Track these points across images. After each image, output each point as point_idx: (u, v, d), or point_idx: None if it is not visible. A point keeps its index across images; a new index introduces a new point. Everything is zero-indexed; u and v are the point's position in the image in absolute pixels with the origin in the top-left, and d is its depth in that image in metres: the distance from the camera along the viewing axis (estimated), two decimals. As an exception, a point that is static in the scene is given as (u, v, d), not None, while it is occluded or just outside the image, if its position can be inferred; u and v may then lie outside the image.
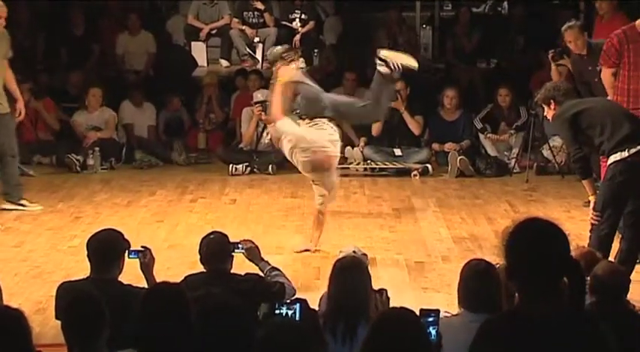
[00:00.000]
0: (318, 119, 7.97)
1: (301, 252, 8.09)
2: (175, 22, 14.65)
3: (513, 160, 11.48)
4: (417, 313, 3.96)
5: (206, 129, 12.63)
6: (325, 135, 7.90)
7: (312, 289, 6.37)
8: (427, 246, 8.40)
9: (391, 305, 5.43)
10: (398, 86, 11.47)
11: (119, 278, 5.35)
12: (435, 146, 11.70)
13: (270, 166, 11.39)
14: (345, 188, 10.59)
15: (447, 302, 5.94)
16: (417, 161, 11.42)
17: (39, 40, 13.68)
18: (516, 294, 4.75)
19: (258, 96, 11.57)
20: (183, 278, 5.55)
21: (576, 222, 8.33)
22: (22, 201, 9.65)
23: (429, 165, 11.39)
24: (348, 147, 11.65)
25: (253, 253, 5.95)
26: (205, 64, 14.38)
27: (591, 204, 7.08)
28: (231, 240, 5.79)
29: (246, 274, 5.75)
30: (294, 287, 5.84)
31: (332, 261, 5.46)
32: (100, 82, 12.55)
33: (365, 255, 6.45)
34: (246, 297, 4.68)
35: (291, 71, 8.08)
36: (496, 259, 5.00)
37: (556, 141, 10.91)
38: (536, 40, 13.24)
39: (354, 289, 4.93)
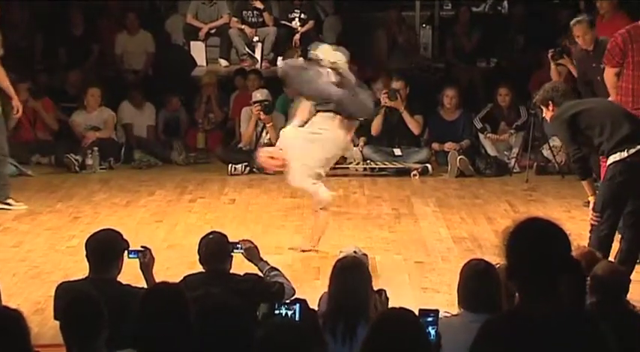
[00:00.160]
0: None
1: (304, 251, 8.09)
2: (174, 21, 14.64)
3: (513, 160, 11.47)
4: (416, 313, 3.96)
5: (205, 128, 12.62)
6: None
7: (312, 289, 6.35)
8: (427, 246, 8.38)
9: (391, 305, 5.42)
10: (397, 86, 11.49)
11: (118, 278, 5.34)
12: (435, 146, 11.68)
13: (269, 166, 11.38)
14: (344, 188, 10.60)
15: (447, 302, 5.93)
16: (417, 161, 11.41)
17: (37, 39, 13.68)
18: (516, 294, 4.77)
19: (257, 95, 11.57)
20: (182, 278, 5.54)
21: (576, 222, 8.31)
22: (9, 200, 9.64)
23: (428, 165, 11.38)
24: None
25: (252, 253, 5.94)
26: (204, 64, 14.37)
27: (591, 205, 7.07)
28: (231, 240, 5.78)
29: (246, 274, 5.74)
30: (293, 287, 5.83)
31: (332, 261, 5.45)
32: (99, 82, 12.54)
33: (365, 255, 6.45)
34: (245, 297, 4.67)
35: None
36: (496, 259, 4.99)
37: (556, 141, 10.89)
38: (536, 40, 13.23)
39: (354, 289, 4.92)
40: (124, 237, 5.44)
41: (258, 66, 13.81)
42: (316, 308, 5.14)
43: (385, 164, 11.44)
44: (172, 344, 3.94)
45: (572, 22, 9.16)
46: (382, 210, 9.68)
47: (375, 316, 4.18)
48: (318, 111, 7.98)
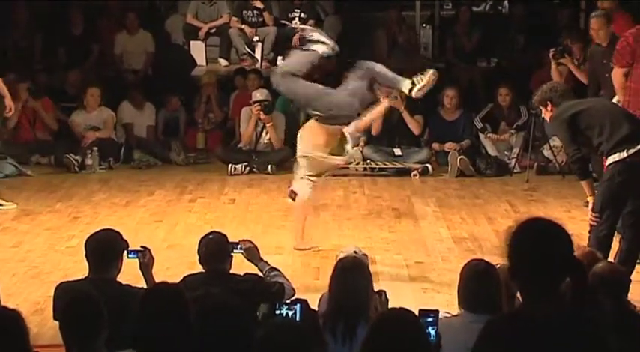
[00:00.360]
0: None
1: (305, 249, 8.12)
2: (174, 21, 14.63)
3: (514, 160, 11.46)
4: (416, 313, 3.95)
5: (205, 128, 12.61)
6: None
7: (312, 289, 6.34)
8: (427, 246, 8.38)
9: (391, 305, 5.41)
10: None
11: (118, 279, 5.33)
12: (435, 146, 11.68)
13: (269, 166, 11.38)
14: (344, 188, 10.59)
15: (447, 303, 5.93)
16: (417, 161, 11.40)
17: (37, 39, 13.66)
18: (517, 295, 4.76)
19: (257, 95, 11.56)
20: (182, 278, 5.53)
21: (577, 221, 8.30)
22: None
23: (429, 165, 11.37)
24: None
25: (252, 253, 5.93)
26: (204, 64, 14.35)
27: (590, 205, 7.06)
28: (230, 240, 5.78)
29: (246, 274, 5.74)
30: (293, 287, 5.82)
31: (332, 261, 5.45)
32: (99, 82, 12.53)
33: (365, 255, 6.42)
34: (245, 297, 4.66)
35: None
36: (496, 259, 4.98)
37: (556, 141, 10.86)
38: (536, 40, 13.24)
39: (355, 289, 4.92)
40: (124, 237, 5.44)
41: (258, 66, 13.80)
42: (316, 309, 5.13)
43: (385, 164, 11.43)
44: (172, 345, 3.94)
45: (591, 15, 9.11)
46: (382, 210, 9.67)
47: (375, 316, 4.18)
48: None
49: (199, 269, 5.66)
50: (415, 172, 11.24)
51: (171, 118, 12.64)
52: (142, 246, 5.63)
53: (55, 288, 5.40)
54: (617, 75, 8.22)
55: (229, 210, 9.73)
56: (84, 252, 5.37)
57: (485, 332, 3.18)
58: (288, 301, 5.24)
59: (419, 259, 7.99)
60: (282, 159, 11.59)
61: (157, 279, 5.36)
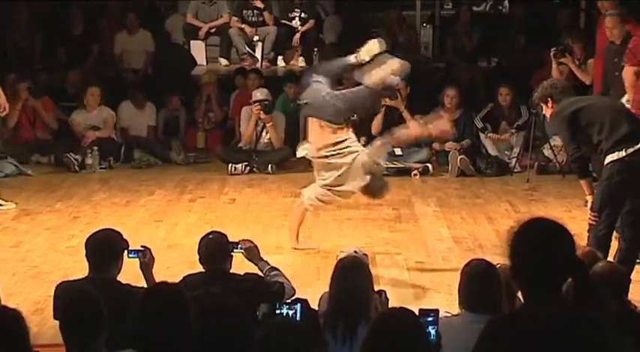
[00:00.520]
0: None
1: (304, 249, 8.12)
2: (174, 20, 14.62)
3: (514, 160, 11.45)
4: (416, 313, 3.95)
5: (205, 128, 12.60)
6: None
7: (312, 289, 6.33)
8: (427, 246, 8.38)
9: (391, 305, 5.41)
10: (398, 85, 11.44)
11: (118, 278, 5.33)
12: (436, 145, 11.66)
13: (269, 165, 11.37)
14: (344, 187, 10.57)
15: (448, 303, 5.93)
16: (418, 160, 11.39)
17: (37, 39, 13.65)
18: (518, 295, 4.76)
19: (257, 95, 11.55)
20: (182, 278, 5.53)
21: (577, 221, 8.29)
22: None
23: (429, 165, 11.36)
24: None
25: (252, 253, 5.93)
26: (204, 63, 14.35)
27: (589, 204, 7.06)
28: (231, 239, 5.77)
29: (246, 274, 5.73)
30: (293, 287, 5.82)
31: (332, 261, 5.45)
32: (99, 81, 12.52)
33: (365, 255, 6.42)
34: (245, 297, 4.66)
35: None
36: (496, 259, 4.98)
37: (557, 141, 10.86)
38: (536, 39, 13.23)
39: (355, 289, 4.92)
40: (124, 236, 5.44)
41: (258, 65, 13.80)
42: (317, 308, 5.13)
43: (386, 164, 11.39)
44: (172, 344, 3.93)
45: (606, 13, 9.10)
46: (382, 209, 9.65)
47: (375, 316, 4.18)
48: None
49: (199, 268, 5.66)
50: (415, 172, 11.23)
51: (172, 118, 12.63)
52: (142, 246, 5.63)
53: (55, 288, 5.40)
54: (628, 73, 8.23)
55: (229, 210, 9.72)
56: (84, 252, 5.37)
57: (487, 333, 3.17)
58: (288, 301, 5.24)
59: (419, 259, 7.99)
60: (283, 159, 11.58)
61: (157, 279, 5.36)
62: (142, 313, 4.10)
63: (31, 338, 4.01)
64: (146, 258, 5.58)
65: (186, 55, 14.25)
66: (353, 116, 8.08)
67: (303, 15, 14.09)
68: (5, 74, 11.94)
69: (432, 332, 4.19)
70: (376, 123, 11.44)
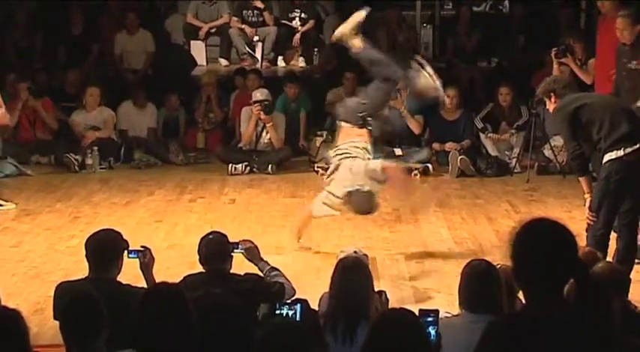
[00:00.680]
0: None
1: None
2: (174, 20, 14.62)
3: (514, 160, 11.44)
4: (416, 313, 3.95)
5: (205, 128, 12.59)
6: None
7: (313, 289, 6.33)
8: (427, 246, 8.37)
9: (391, 305, 5.41)
10: (398, 85, 11.44)
11: (118, 278, 5.32)
12: (436, 146, 11.66)
13: (269, 166, 11.37)
14: (345, 188, 10.56)
15: (448, 303, 5.92)
16: (418, 161, 11.38)
17: (37, 39, 13.65)
18: (518, 295, 4.76)
19: (257, 95, 11.54)
20: (182, 278, 5.52)
21: (577, 222, 8.26)
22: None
23: (429, 165, 11.36)
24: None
25: (252, 253, 5.92)
26: (204, 63, 14.35)
27: (587, 203, 7.05)
28: (231, 239, 5.77)
29: (246, 274, 5.73)
30: (293, 287, 5.82)
31: (332, 261, 5.44)
32: (98, 82, 12.52)
33: (365, 255, 6.43)
34: (245, 297, 4.66)
35: None
36: (497, 259, 4.98)
37: (557, 141, 10.87)
38: (537, 39, 13.22)
39: (355, 289, 4.92)
40: (124, 236, 5.43)
41: (258, 65, 13.80)
42: (317, 308, 5.13)
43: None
44: (172, 345, 3.93)
45: (618, 14, 9.09)
46: (382, 210, 9.64)
47: (375, 316, 4.17)
48: None
49: (199, 269, 5.65)
50: (416, 172, 11.22)
51: (171, 118, 12.63)
52: (142, 246, 5.62)
53: (55, 288, 5.39)
54: None
55: (229, 210, 9.72)
56: (84, 252, 5.36)
57: (488, 333, 3.17)
58: (288, 301, 5.23)
59: (419, 259, 7.98)
60: (283, 159, 11.59)
61: (158, 279, 5.35)
62: (142, 313, 4.10)
63: (31, 339, 4.01)
64: (146, 258, 5.58)
65: (186, 56, 14.24)
66: (364, 113, 8.05)
67: (303, 15, 14.09)
68: (5, 74, 11.95)
69: (432, 332, 4.19)
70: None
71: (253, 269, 5.90)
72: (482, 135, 11.81)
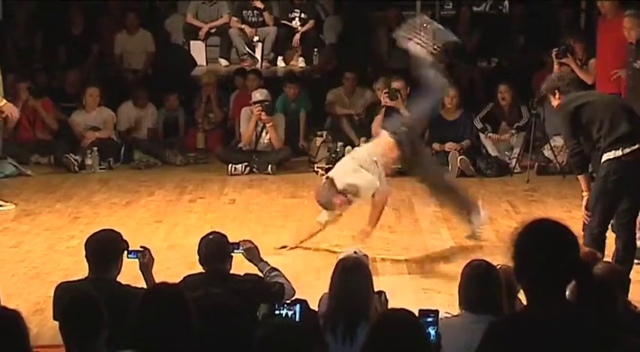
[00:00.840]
0: None
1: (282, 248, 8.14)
2: (174, 21, 14.62)
3: (514, 160, 11.44)
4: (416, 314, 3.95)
5: (205, 128, 12.59)
6: None
7: (312, 289, 6.32)
8: (427, 247, 8.37)
9: (391, 306, 5.41)
10: (398, 85, 11.45)
11: (118, 279, 5.32)
12: (436, 146, 11.65)
13: (269, 166, 11.36)
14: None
15: (448, 303, 5.91)
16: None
17: (37, 39, 13.65)
18: (518, 295, 4.75)
19: (257, 95, 11.53)
20: (182, 278, 5.52)
21: (577, 222, 8.25)
22: None
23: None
24: (348, 147, 11.61)
25: (252, 253, 5.92)
26: (204, 64, 14.36)
27: (584, 202, 7.05)
28: (231, 240, 5.77)
29: (246, 274, 5.73)
30: (293, 287, 5.81)
31: (332, 261, 5.44)
32: (98, 82, 12.51)
33: (365, 255, 6.42)
34: (245, 298, 4.66)
35: None
36: (497, 259, 4.98)
37: (557, 141, 10.88)
38: (537, 39, 13.22)
39: (355, 289, 4.92)
40: (124, 237, 5.43)
41: (258, 66, 13.80)
42: (317, 309, 5.13)
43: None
44: (172, 345, 3.93)
45: (625, 14, 9.11)
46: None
47: (375, 317, 4.17)
48: None
49: (199, 269, 5.65)
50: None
51: (171, 118, 12.62)
52: (141, 246, 5.62)
53: (55, 288, 5.39)
54: None
55: (229, 211, 9.72)
56: (84, 252, 5.36)
57: (489, 334, 3.17)
58: (288, 301, 5.23)
59: (419, 260, 7.98)
60: (283, 159, 11.59)
61: (158, 279, 5.35)
62: (142, 313, 4.10)
63: (31, 339, 4.00)
64: (145, 259, 5.57)
65: (186, 56, 14.24)
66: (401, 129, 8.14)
67: (302, 15, 14.09)
68: (5, 74, 11.94)
69: (432, 332, 4.19)
70: (376, 124, 11.42)
71: (253, 269, 5.90)
72: (482, 135, 11.81)
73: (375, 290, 5.29)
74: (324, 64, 13.98)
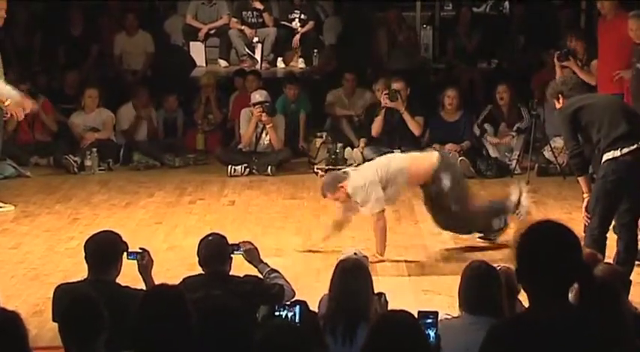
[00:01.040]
0: None
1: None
2: (174, 22, 14.62)
3: (514, 161, 11.43)
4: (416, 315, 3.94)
5: (204, 129, 12.58)
6: None
7: (312, 291, 6.32)
8: (427, 248, 8.36)
9: (391, 307, 5.40)
10: (398, 86, 11.45)
11: (117, 280, 5.31)
12: (436, 147, 11.63)
13: (269, 167, 11.35)
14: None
15: (448, 305, 5.90)
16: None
17: (36, 39, 13.65)
18: (518, 297, 4.75)
19: (257, 97, 11.52)
20: (181, 280, 5.51)
21: (578, 223, 8.23)
22: None
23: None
24: (348, 149, 11.62)
25: (252, 255, 5.92)
26: (204, 65, 14.35)
27: (584, 203, 7.05)
28: (230, 241, 5.76)
29: (245, 276, 5.73)
30: (293, 289, 5.81)
31: (332, 262, 5.43)
32: (97, 83, 12.50)
33: (365, 257, 6.42)
34: (245, 299, 4.66)
35: None
36: (497, 261, 4.96)
37: (557, 143, 10.87)
38: (537, 40, 13.23)
39: (355, 291, 4.92)
40: (123, 238, 5.42)
41: (258, 67, 13.79)
42: (317, 310, 5.12)
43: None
44: (172, 346, 3.92)
45: (630, 14, 9.11)
46: (382, 211, 9.64)
47: (374, 318, 4.17)
48: None
49: (199, 270, 5.65)
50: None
51: (170, 119, 12.60)
52: (141, 248, 5.62)
53: (54, 290, 5.38)
54: None
55: (229, 212, 9.71)
56: (83, 254, 5.36)
57: (491, 336, 3.17)
58: (288, 303, 5.22)
59: (419, 261, 7.97)
60: (282, 161, 11.57)
61: (157, 281, 5.34)
62: (141, 315, 4.09)
63: (30, 341, 3.99)
64: (145, 260, 5.57)
65: (185, 57, 14.24)
66: None
67: (302, 16, 14.09)
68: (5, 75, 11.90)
69: (432, 334, 4.19)
70: (376, 125, 11.43)
71: (253, 271, 5.90)
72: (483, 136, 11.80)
73: (375, 291, 5.29)
74: (323, 65, 13.97)
